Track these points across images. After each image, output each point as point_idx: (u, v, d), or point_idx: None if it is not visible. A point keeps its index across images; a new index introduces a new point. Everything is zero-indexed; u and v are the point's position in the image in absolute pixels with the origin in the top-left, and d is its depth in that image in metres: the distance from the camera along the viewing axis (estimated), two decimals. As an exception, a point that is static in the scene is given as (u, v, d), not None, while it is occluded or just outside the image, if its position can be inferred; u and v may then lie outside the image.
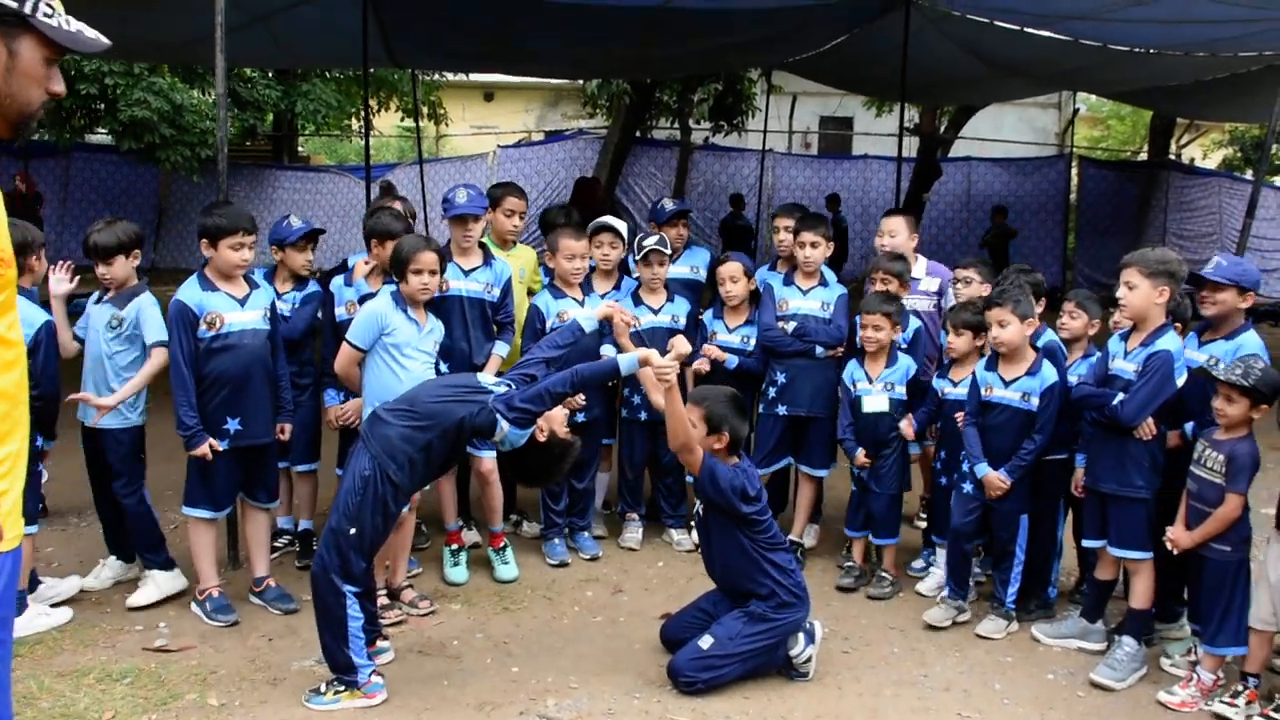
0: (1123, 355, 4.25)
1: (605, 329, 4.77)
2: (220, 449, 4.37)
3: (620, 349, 4.70)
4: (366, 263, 4.95)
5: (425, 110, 21.51)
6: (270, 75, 17.76)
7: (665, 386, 3.86)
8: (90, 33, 2.06)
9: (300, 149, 24.03)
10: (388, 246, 4.67)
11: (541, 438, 3.87)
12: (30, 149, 17.17)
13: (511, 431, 3.73)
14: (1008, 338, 4.46)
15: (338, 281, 5.01)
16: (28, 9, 1.94)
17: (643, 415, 5.40)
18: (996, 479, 4.47)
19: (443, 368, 4.85)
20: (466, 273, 5.01)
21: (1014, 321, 4.44)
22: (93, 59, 14.76)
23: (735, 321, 5.47)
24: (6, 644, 2.11)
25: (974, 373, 4.66)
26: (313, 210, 18.66)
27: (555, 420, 3.90)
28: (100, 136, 18.15)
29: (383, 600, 4.48)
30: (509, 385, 3.86)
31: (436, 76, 20.75)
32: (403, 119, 22.27)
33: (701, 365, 5.31)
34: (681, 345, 4.01)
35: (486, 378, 3.98)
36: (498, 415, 3.68)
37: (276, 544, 5.14)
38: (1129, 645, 4.16)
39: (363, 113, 13.35)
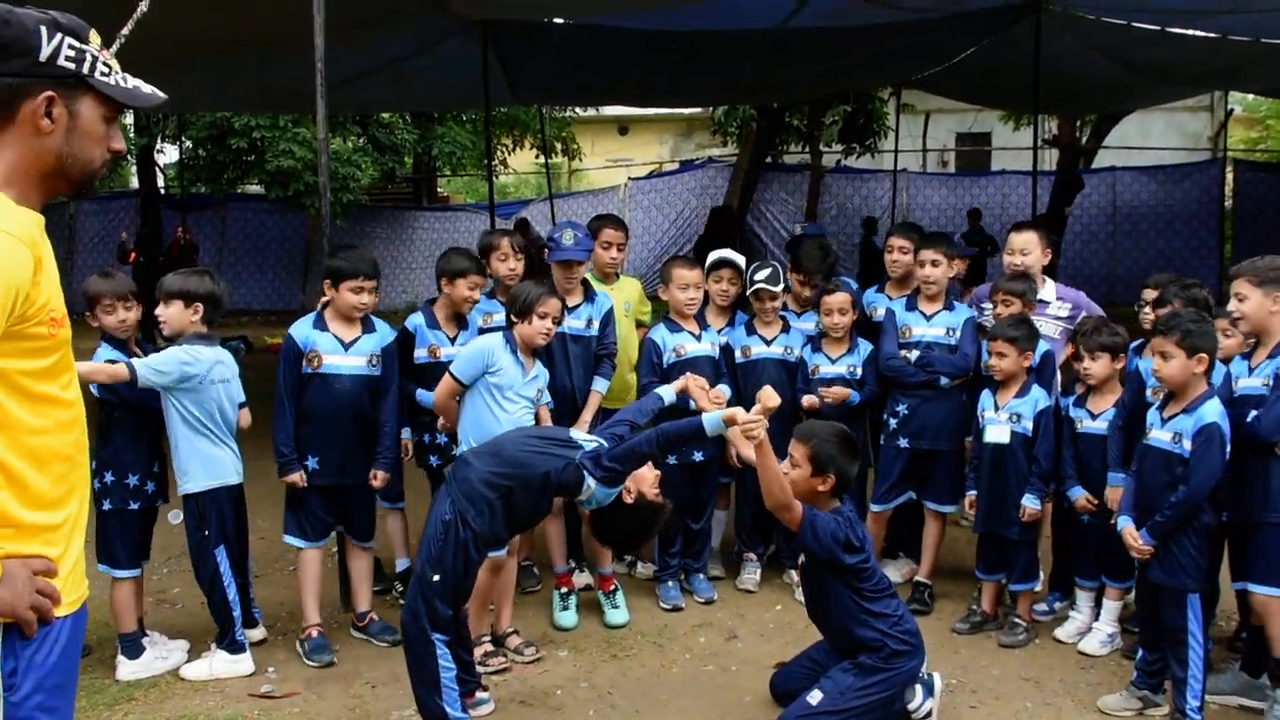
0: (1248, 373, 3.84)
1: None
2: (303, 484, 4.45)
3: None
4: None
5: (558, 146, 21.86)
6: (407, 120, 18.36)
7: (754, 444, 3.61)
8: (147, 89, 2.08)
9: (440, 190, 24.77)
10: (458, 284, 4.78)
11: (629, 499, 3.71)
12: (189, 201, 18.16)
13: (599, 489, 3.59)
14: (1169, 374, 3.77)
15: (416, 319, 4.97)
16: (85, 69, 1.96)
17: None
18: (1133, 537, 3.87)
19: (547, 399, 4.78)
20: (570, 310, 4.92)
21: (1179, 355, 3.73)
22: (242, 115, 15.58)
23: (838, 351, 5.21)
24: (67, 709, 2.08)
25: (1119, 414, 4.13)
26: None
27: (645, 482, 3.73)
28: (253, 187, 19.10)
29: (487, 647, 4.40)
30: (599, 442, 3.73)
31: (568, 112, 21.09)
32: (537, 156, 22.70)
33: (811, 401, 5.08)
34: (769, 398, 3.69)
35: (578, 433, 3.85)
36: (585, 472, 3.56)
37: (398, 586, 5.13)
38: None
39: (492, 152, 13.60)
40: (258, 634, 4.63)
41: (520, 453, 3.66)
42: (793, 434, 3.94)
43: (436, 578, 3.55)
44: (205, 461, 4.30)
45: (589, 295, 5.01)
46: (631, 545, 4.43)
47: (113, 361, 4.19)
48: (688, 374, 4.37)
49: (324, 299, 4.58)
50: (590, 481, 3.57)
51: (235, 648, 4.33)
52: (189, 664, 4.37)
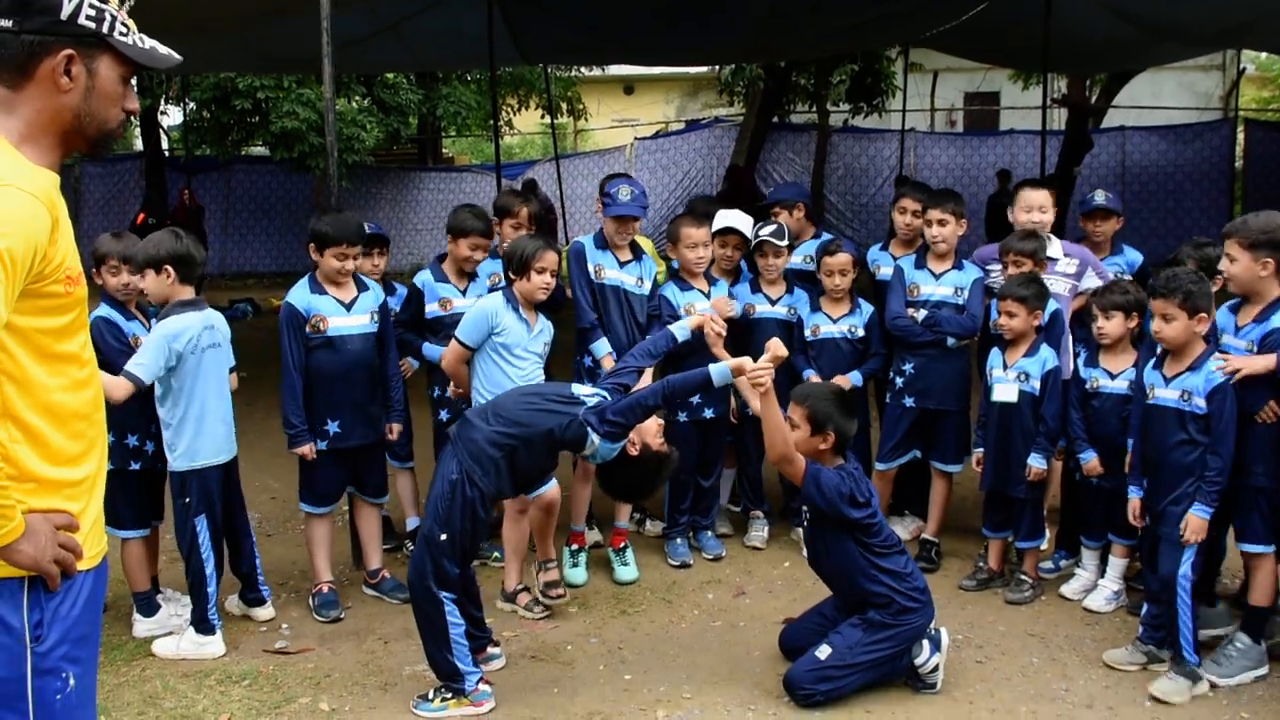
0: (1233, 331, 3.87)
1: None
2: (318, 450, 4.45)
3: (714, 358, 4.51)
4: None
5: (563, 106, 21.72)
6: (412, 80, 18.22)
7: (760, 391, 3.63)
8: (163, 50, 2.10)
9: (445, 150, 24.63)
10: (459, 243, 4.84)
11: (634, 451, 3.73)
12: (193, 164, 18.09)
13: (603, 445, 3.60)
14: (1170, 335, 3.80)
15: (424, 276, 4.99)
16: (105, 29, 1.97)
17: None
18: (1136, 514, 4.04)
19: (608, 349, 4.87)
20: (622, 265, 4.98)
21: (1180, 316, 3.76)
22: (246, 76, 15.50)
23: (839, 311, 5.22)
24: (91, 660, 2.12)
25: (1141, 375, 4.07)
26: (455, 210, 19.06)
27: (648, 432, 3.75)
28: (257, 148, 19.02)
29: (530, 597, 4.54)
30: (603, 396, 3.73)
31: (573, 72, 20.93)
32: (543, 116, 22.53)
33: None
34: (778, 348, 3.72)
35: (580, 387, 3.85)
36: (588, 428, 3.56)
37: (408, 544, 5.19)
38: (1241, 641, 3.88)
39: (497, 112, 13.52)
40: (266, 613, 4.51)
41: (523, 411, 3.67)
42: (790, 397, 3.94)
43: (444, 537, 3.58)
44: (196, 438, 4.15)
45: (638, 254, 5.04)
46: (640, 496, 4.46)
47: (106, 319, 4.22)
48: (702, 312, 4.36)
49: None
50: (594, 437, 3.58)
51: (205, 628, 4.17)
52: (159, 639, 4.25)
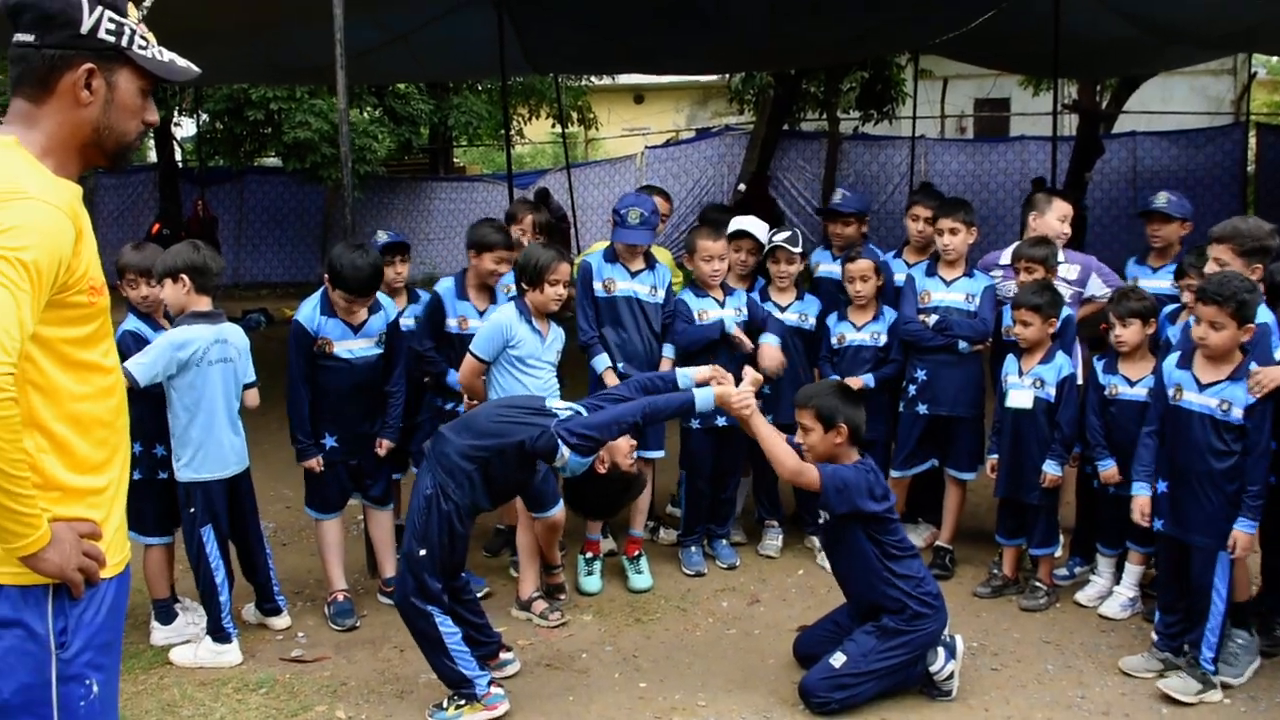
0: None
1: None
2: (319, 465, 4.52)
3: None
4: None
5: (574, 115, 21.78)
6: (423, 90, 18.30)
7: (745, 416, 3.66)
8: (182, 62, 2.13)
9: (457, 160, 24.72)
10: (484, 258, 4.80)
11: (602, 469, 3.73)
12: (207, 175, 18.19)
13: (572, 458, 3.58)
14: (1216, 342, 3.69)
15: (446, 284, 5.00)
16: (124, 42, 2.01)
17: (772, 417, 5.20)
18: (1143, 512, 4.00)
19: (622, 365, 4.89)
20: (633, 274, 4.98)
21: (1230, 326, 3.65)
22: (259, 87, 15.60)
23: (863, 319, 5.23)
24: (114, 667, 2.15)
25: (1161, 374, 4.00)
26: (467, 219, 19.11)
27: (619, 452, 3.75)
28: (270, 159, 19.12)
29: (545, 605, 4.55)
30: (577, 411, 3.73)
31: (584, 82, 21.01)
32: (553, 125, 22.60)
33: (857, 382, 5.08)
34: (754, 373, 3.76)
35: (555, 401, 3.86)
36: (559, 441, 3.54)
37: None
38: (1240, 638, 3.90)
39: (509, 122, 13.57)
40: (282, 622, 4.51)
41: (494, 423, 3.68)
42: (794, 404, 3.95)
43: (423, 552, 3.59)
44: (199, 451, 4.15)
45: (650, 263, 5.04)
46: (604, 514, 4.49)
47: (134, 333, 4.25)
48: (714, 366, 4.30)
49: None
50: (564, 450, 3.55)
51: (221, 636, 4.19)
52: (177, 648, 4.25)
